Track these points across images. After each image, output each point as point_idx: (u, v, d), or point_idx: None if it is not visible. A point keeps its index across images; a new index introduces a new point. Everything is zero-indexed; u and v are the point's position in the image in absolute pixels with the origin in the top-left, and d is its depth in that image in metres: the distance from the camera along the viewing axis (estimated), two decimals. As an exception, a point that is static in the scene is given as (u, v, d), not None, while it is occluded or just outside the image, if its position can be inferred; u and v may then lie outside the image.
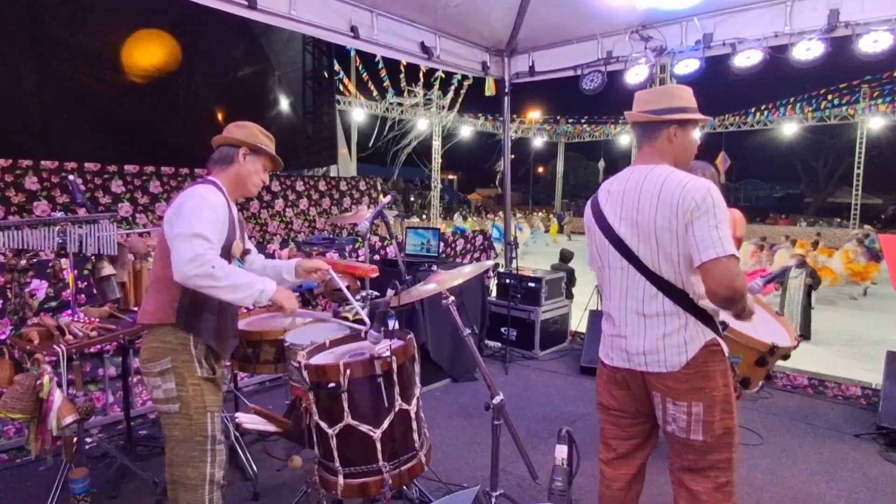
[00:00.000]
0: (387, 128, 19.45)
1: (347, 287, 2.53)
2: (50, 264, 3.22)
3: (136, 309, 3.03)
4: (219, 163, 2.12)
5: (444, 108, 20.76)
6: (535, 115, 30.58)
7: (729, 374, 1.86)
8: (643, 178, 1.87)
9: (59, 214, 2.81)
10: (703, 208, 1.70)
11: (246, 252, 2.29)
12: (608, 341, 2.02)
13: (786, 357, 2.83)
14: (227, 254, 2.00)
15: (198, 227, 1.86)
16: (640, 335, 1.87)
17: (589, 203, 2.07)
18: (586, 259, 2.19)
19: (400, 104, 19.34)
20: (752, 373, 2.74)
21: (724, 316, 1.94)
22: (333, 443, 1.89)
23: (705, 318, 1.82)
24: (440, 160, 24.36)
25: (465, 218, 24.92)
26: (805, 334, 7.81)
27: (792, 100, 24.21)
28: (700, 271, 1.72)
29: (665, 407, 1.86)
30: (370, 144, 19.22)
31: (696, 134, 1.99)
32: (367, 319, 2.37)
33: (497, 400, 1.93)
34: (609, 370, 2.03)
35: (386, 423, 1.90)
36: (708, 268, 1.68)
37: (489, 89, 5.88)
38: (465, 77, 12.33)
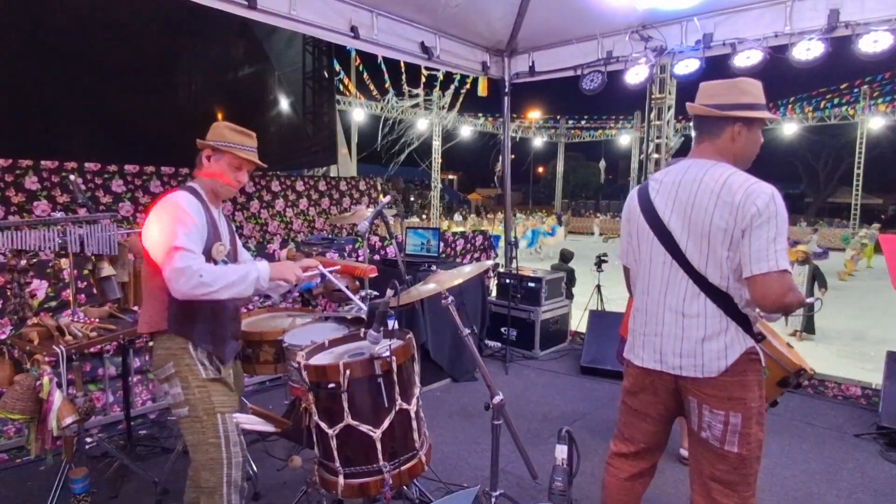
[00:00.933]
0: (387, 128, 19.47)
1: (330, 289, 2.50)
2: (50, 264, 3.22)
3: (136, 309, 3.04)
4: (196, 167, 2.14)
5: (444, 108, 20.77)
6: (535, 115, 30.62)
7: (763, 384, 1.78)
8: (703, 172, 1.74)
9: (59, 214, 2.82)
10: (764, 216, 1.60)
11: (234, 259, 2.26)
12: (639, 340, 1.91)
13: (798, 386, 2.80)
14: (207, 258, 1.98)
15: (173, 240, 1.85)
16: (677, 336, 1.77)
17: (635, 193, 1.94)
18: (618, 253, 2.12)
19: (400, 105, 19.33)
20: (770, 392, 2.71)
21: (759, 327, 1.85)
22: (333, 443, 1.89)
23: (747, 324, 1.73)
24: (440, 160, 24.36)
25: (464, 218, 24.96)
26: (809, 330, 7.86)
27: (792, 100, 24.22)
28: (748, 282, 1.64)
29: (701, 413, 1.77)
30: (376, 147, 19.27)
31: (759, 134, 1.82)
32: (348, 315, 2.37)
33: (497, 400, 1.93)
34: (637, 371, 1.92)
35: (386, 423, 1.89)
36: (757, 281, 1.61)
37: (482, 89, 5.88)
38: (464, 77, 12.32)
